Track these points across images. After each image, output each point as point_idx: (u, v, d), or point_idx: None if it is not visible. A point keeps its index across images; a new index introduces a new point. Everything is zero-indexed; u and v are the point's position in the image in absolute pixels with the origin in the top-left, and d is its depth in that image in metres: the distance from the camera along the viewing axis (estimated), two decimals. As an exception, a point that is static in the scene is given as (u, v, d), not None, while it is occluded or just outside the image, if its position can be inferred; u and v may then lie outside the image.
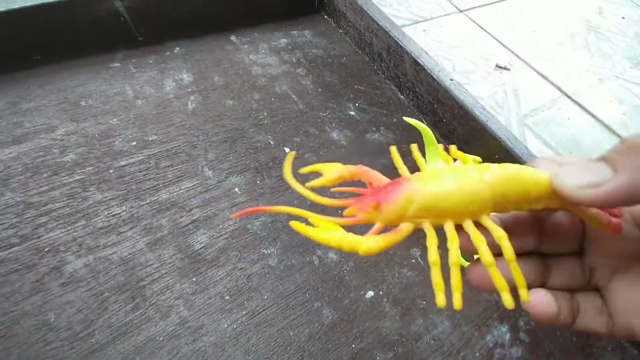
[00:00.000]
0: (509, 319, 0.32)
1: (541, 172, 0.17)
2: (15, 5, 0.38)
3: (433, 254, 0.16)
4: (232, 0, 0.49)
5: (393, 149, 0.21)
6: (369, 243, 0.16)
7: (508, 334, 0.31)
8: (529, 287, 0.16)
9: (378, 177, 0.19)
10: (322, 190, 0.17)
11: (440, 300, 0.16)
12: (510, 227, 0.18)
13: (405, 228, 0.17)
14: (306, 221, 0.17)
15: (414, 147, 0.21)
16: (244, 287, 0.30)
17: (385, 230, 0.17)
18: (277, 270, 0.31)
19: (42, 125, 0.36)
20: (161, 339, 0.27)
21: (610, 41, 0.73)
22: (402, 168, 0.20)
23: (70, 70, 0.41)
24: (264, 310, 0.29)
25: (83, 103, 0.38)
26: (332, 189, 0.20)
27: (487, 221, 0.17)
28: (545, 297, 0.17)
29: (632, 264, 0.17)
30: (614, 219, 0.17)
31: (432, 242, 0.17)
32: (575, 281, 0.18)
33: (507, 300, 0.16)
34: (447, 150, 0.21)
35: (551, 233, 0.18)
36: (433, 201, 0.17)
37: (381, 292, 0.32)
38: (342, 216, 0.18)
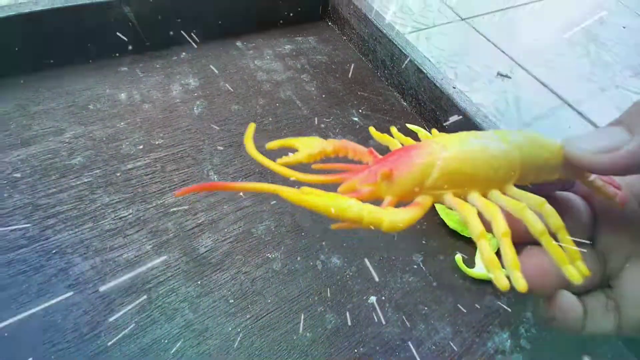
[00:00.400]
0: (510, 326, 0.32)
1: (552, 140, 0.15)
2: (25, 10, 0.38)
3: (477, 226, 0.13)
4: (238, 7, 0.50)
5: (372, 130, 0.17)
6: (393, 216, 0.13)
7: (509, 341, 0.31)
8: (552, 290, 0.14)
9: (370, 154, 0.16)
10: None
11: (503, 281, 0.12)
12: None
13: (424, 201, 0.14)
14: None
15: (394, 129, 0.18)
16: (248, 291, 0.30)
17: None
18: (281, 275, 0.32)
19: (51, 128, 0.37)
20: (166, 341, 0.27)
21: (611, 50, 0.74)
22: (393, 142, 0.17)
23: (79, 74, 0.41)
24: (267, 314, 0.30)
25: (91, 106, 0.39)
26: (314, 166, 0.16)
27: (515, 190, 0.14)
28: (571, 298, 0.15)
29: (637, 249, 0.16)
30: (619, 192, 0.16)
31: (469, 211, 0.13)
32: (596, 278, 0.17)
33: (574, 274, 0.13)
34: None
35: (566, 217, 0.16)
36: (458, 165, 0.13)
37: (383, 298, 0.32)
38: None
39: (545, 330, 0.32)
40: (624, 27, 0.81)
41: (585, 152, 0.14)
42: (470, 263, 0.35)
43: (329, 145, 0.16)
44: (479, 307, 0.33)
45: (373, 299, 0.32)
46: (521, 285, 0.12)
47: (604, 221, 0.17)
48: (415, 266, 0.34)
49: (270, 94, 0.45)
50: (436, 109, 0.44)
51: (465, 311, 0.32)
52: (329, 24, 0.57)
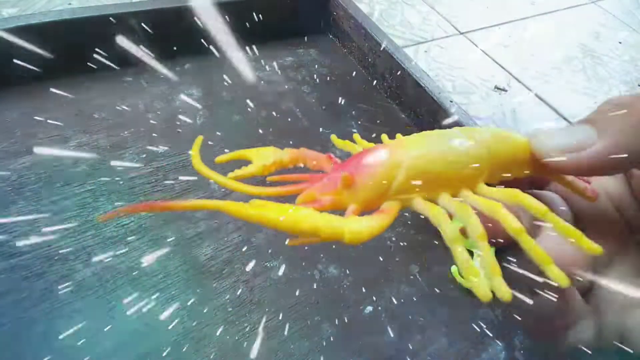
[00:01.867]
0: (505, 337, 0.32)
1: (519, 135, 0.15)
2: (33, 21, 0.39)
3: (450, 229, 0.12)
4: (241, 20, 0.51)
5: (334, 138, 0.16)
6: (356, 225, 0.11)
7: (503, 352, 0.32)
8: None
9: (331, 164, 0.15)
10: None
11: (482, 290, 0.11)
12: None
13: (391, 208, 0.13)
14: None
15: (357, 136, 0.17)
16: (246, 300, 0.31)
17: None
18: (279, 284, 0.32)
19: (56, 136, 0.37)
20: (165, 349, 0.28)
21: (607, 65, 0.75)
22: (356, 149, 0.16)
23: (84, 83, 0.42)
24: (265, 322, 0.30)
25: (96, 115, 0.40)
26: (269, 178, 0.15)
27: (486, 188, 0.13)
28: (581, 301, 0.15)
29: (620, 251, 0.15)
30: (588, 185, 0.15)
31: (440, 215, 0.12)
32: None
33: (560, 277, 0.11)
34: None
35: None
36: (425, 165, 0.13)
37: (380, 308, 0.32)
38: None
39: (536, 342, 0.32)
40: (620, 43, 0.82)
41: (550, 149, 0.14)
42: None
43: (285, 154, 0.15)
44: (474, 318, 0.33)
45: (369, 309, 0.32)
46: (504, 293, 0.11)
47: (582, 223, 0.16)
48: (411, 277, 0.35)
49: (271, 105, 0.46)
50: (434, 121, 0.45)
51: (460, 322, 0.33)
52: (330, 37, 0.58)
